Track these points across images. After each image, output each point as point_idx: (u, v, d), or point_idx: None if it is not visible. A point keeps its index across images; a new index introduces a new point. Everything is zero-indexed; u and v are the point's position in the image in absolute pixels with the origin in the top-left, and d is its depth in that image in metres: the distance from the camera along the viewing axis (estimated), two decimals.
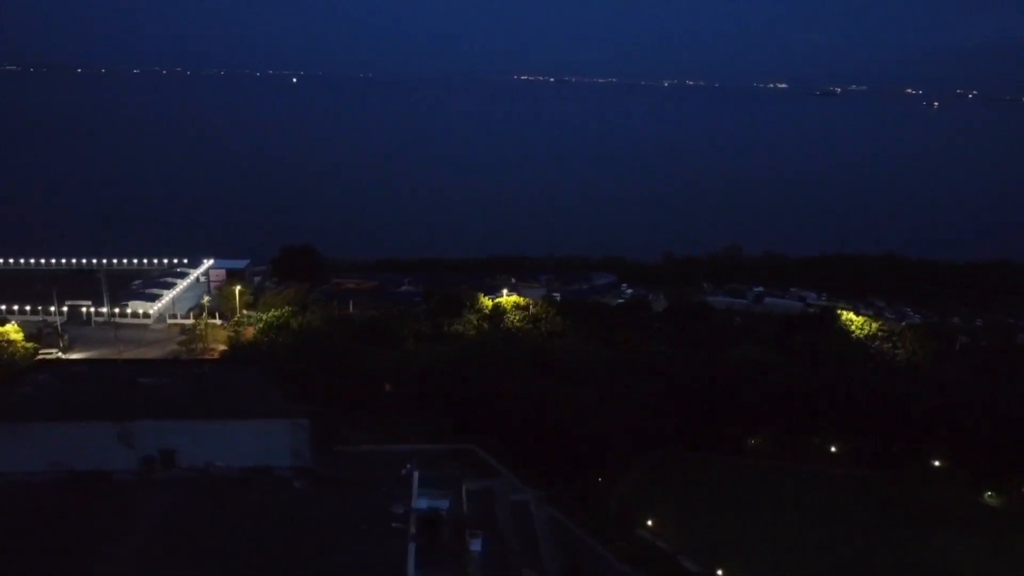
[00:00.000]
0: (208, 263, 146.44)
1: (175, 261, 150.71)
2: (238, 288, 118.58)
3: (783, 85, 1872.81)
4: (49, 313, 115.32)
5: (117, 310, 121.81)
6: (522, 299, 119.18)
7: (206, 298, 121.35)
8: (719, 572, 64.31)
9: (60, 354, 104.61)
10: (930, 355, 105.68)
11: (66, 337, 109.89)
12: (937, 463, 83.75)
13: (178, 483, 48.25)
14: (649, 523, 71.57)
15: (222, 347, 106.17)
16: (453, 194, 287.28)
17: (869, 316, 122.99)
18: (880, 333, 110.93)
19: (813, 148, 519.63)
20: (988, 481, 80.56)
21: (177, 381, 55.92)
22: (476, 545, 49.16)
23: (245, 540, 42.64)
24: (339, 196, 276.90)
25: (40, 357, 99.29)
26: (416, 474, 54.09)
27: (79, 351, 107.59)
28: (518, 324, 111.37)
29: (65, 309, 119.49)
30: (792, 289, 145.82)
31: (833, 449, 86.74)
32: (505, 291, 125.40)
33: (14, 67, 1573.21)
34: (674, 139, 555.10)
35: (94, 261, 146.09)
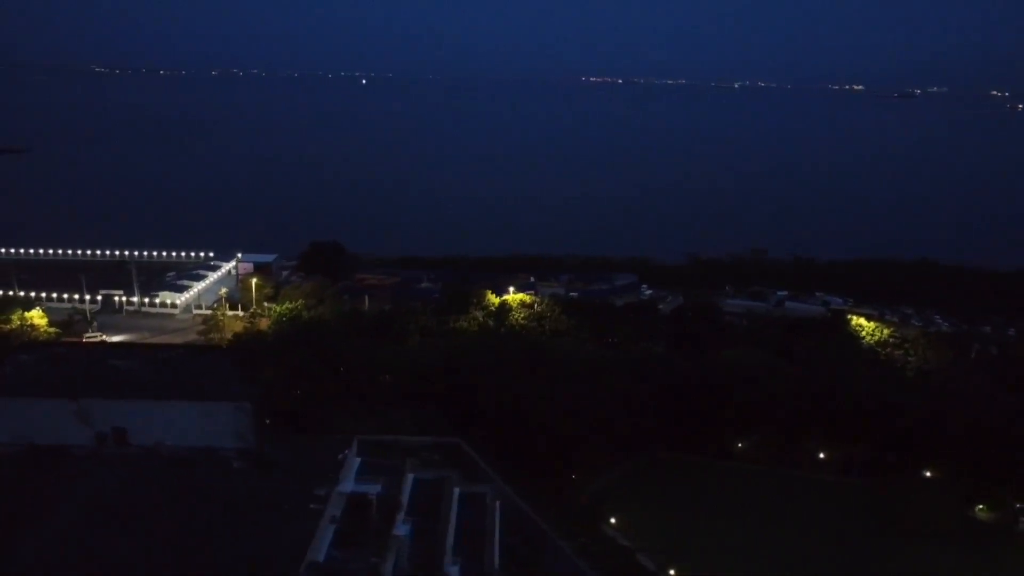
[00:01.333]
0: (238, 257, 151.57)
1: (210, 255, 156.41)
2: (254, 281, 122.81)
3: (859, 87, 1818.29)
4: (83, 301, 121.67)
5: (147, 300, 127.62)
6: (528, 297, 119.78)
7: (223, 290, 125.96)
8: (671, 572, 64.03)
9: (104, 337, 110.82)
10: (943, 363, 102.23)
11: (95, 324, 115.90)
12: (929, 474, 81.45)
13: (124, 459, 51.02)
14: (612, 520, 71.55)
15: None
16: (483, 193, 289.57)
17: (892, 321, 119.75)
18: (892, 339, 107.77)
19: (869, 152, 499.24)
20: (980, 494, 77.73)
21: (140, 363, 58.76)
22: (402, 530, 50.23)
23: (168, 513, 44.88)
24: (375, 194, 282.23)
25: (86, 340, 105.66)
26: (358, 460, 55.79)
27: (107, 337, 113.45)
28: (522, 322, 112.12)
29: (99, 298, 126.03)
30: (817, 293, 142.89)
31: (822, 455, 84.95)
32: (512, 289, 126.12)
33: (102, 69, 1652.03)
34: (720, 141, 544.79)
35: (135, 254, 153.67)
